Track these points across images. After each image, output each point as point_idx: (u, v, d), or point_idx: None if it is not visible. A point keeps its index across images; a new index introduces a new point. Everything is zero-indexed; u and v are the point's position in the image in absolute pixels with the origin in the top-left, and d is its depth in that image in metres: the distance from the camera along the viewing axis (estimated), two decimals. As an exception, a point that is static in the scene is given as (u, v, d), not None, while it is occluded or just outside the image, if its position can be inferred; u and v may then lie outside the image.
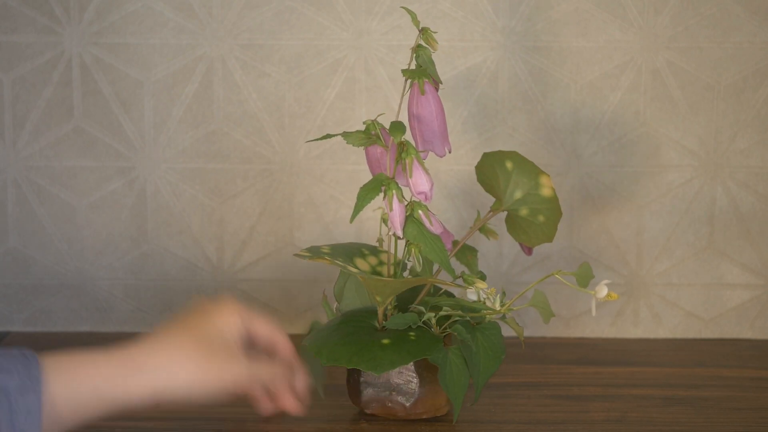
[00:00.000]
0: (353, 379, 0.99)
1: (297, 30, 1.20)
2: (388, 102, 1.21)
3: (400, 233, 0.93)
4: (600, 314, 1.25)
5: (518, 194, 0.98)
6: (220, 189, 1.23)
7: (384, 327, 0.97)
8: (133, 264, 1.24)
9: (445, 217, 1.22)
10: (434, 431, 0.96)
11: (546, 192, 0.98)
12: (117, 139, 1.22)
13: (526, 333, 1.25)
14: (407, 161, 0.92)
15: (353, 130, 1.21)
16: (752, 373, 1.13)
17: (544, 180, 0.97)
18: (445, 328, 0.96)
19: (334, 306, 1.03)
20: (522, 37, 1.20)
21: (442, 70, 1.18)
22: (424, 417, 0.98)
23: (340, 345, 0.94)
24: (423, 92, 0.93)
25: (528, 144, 1.21)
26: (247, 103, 1.21)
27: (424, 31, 0.94)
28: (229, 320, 0.91)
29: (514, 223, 0.99)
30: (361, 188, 0.92)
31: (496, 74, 1.20)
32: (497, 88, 1.21)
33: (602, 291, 0.92)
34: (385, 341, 0.94)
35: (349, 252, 1.02)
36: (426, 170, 0.93)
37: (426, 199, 0.92)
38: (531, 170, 0.97)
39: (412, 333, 0.95)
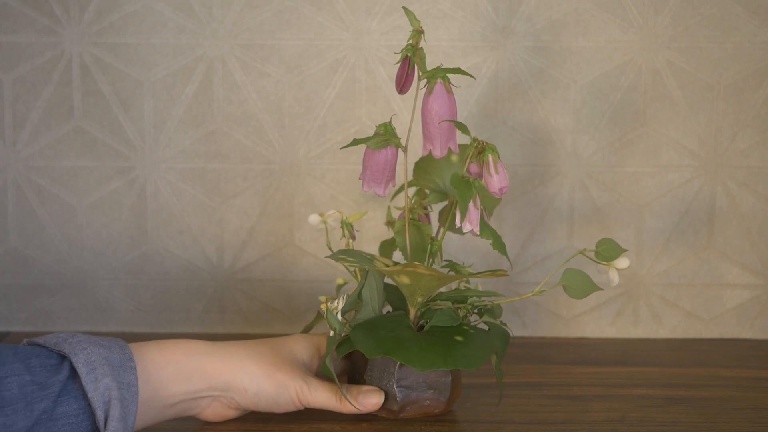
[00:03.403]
0: (384, 386, 0.97)
1: (297, 30, 1.20)
2: (388, 102, 1.21)
3: (478, 231, 0.94)
4: (600, 314, 1.25)
5: None
6: (220, 189, 1.23)
7: (420, 328, 0.99)
8: (133, 264, 1.24)
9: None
10: (434, 431, 0.96)
11: None
12: (117, 139, 1.22)
13: (526, 333, 1.25)
14: (491, 158, 0.94)
15: (353, 130, 1.21)
16: (752, 373, 1.13)
17: None
18: (465, 317, 0.99)
19: (338, 315, 0.99)
20: (522, 37, 1.20)
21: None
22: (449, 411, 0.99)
23: (425, 350, 0.93)
24: (449, 91, 0.95)
25: (528, 144, 1.21)
26: (247, 103, 1.21)
27: (419, 32, 0.94)
28: (300, 344, 0.98)
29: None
30: (458, 192, 0.92)
31: (496, 74, 1.20)
32: (497, 88, 1.21)
33: (624, 262, 0.96)
34: (459, 338, 0.95)
35: (362, 257, 1.01)
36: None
37: (502, 193, 0.94)
38: None
39: (466, 327, 0.98)
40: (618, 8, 1.19)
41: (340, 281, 1.08)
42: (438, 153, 0.95)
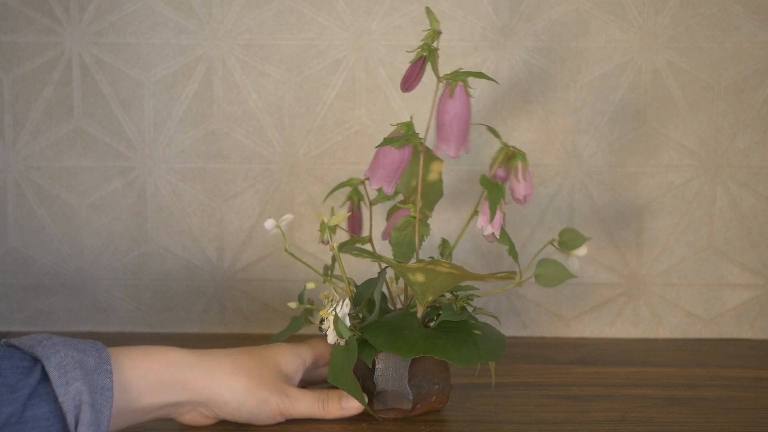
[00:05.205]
0: (395, 387, 0.97)
1: (297, 30, 1.20)
2: (388, 102, 1.21)
3: (498, 234, 0.95)
4: (600, 314, 1.25)
5: (413, 182, 1.04)
6: (220, 189, 1.23)
7: (427, 324, 0.99)
8: (133, 264, 1.24)
9: (446, 216, 1.22)
10: (434, 431, 0.96)
11: (432, 177, 1.04)
12: (117, 139, 1.22)
13: (526, 333, 1.25)
14: (521, 165, 0.95)
15: (353, 130, 1.21)
16: (752, 373, 1.13)
17: (434, 166, 1.04)
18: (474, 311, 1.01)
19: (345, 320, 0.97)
20: (522, 37, 1.20)
21: (443, 70, 1.18)
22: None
23: (458, 346, 0.94)
24: (470, 95, 0.95)
25: (528, 144, 1.21)
26: (247, 103, 1.21)
27: (438, 33, 0.95)
28: (286, 356, 0.97)
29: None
30: (490, 193, 0.93)
31: (496, 74, 1.20)
32: (497, 88, 1.21)
33: (583, 251, 0.98)
34: (477, 331, 0.96)
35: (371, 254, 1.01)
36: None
37: (525, 201, 0.95)
38: (426, 158, 1.03)
39: (472, 321, 0.99)
40: (618, 8, 1.19)
41: (310, 285, 1.05)
42: (453, 153, 0.96)
